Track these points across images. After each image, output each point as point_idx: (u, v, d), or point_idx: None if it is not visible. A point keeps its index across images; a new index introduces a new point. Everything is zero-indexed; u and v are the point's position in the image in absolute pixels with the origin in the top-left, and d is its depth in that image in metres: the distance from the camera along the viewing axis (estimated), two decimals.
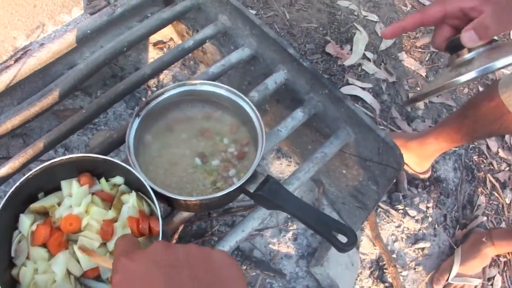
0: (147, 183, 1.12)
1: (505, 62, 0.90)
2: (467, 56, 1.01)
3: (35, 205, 1.17)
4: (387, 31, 1.09)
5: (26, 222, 1.14)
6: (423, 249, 2.06)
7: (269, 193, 1.15)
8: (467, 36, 0.97)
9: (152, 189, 1.13)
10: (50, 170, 1.15)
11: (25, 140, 1.79)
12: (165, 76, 2.06)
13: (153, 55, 2.08)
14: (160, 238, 1.08)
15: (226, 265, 0.79)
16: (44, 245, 1.13)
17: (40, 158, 1.39)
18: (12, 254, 1.14)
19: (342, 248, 1.09)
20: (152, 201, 1.13)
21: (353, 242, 1.09)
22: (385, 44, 2.56)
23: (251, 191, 1.16)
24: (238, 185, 1.15)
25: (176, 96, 1.31)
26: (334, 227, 1.10)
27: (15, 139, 1.79)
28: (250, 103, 1.28)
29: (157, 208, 1.12)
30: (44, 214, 1.18)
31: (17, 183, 1.10)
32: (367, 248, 1.96)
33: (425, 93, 1.08)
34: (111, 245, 1.13)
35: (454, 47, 1.03)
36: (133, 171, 1.13)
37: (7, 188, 1.60)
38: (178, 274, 0.73)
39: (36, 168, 1.12)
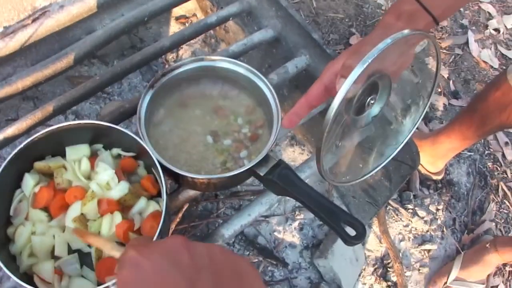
0: (155, 156, 1.09)
1: (353, 76, 0.81)
2: None
3: (40, 164, 1.15)
4: (285, 121, 1.07)
5: (30, 182, 1.12)
6: (429, 251, 2.03)
7: (280, 178, 1.11)
8: (339, 85, 0.92)
9: (160, 163, 1.10)
10: (58, 134, 1.12)
11: (36, 104, 1.78)
12: (185, 52, 2.03)
13: (174, 29, 2.05)
14: (162, 215, 1.05)
15: (251, 277, 0.71)
16: (44, 209, 1.11)
17: (48, 123, 1.36)
18: (11, 213, 1.12)
19: (350, 241, 1.05)
20: (159, 176, 1.10)
21: (362, 235, 1.05)
22: None
23: (261, 174, 1.13)
24: (249, 167, 1.12)
25: (193, 70, 1.28)
26: (344, 218, 1.06)
27: (26, 101, 1.78)
28: (269, 84, 1.25)
29: (163, 183, 1.09)
30: (49, 176, 1.16)
31: (23, 143, 1.07)
32: (373, 245, 1.93)
33: None
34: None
35: None
36: (142, 143, 1.10)
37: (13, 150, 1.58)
38: (201, 280, 0.64)
39: (42, 131, 1.10)
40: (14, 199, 1.13)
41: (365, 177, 1.10)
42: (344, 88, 0.82)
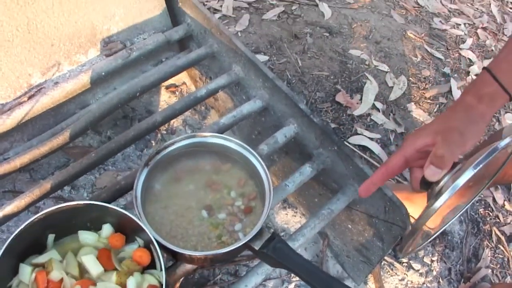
0: (152, 235, 1.13)
1: (466, 178, 0.94)
2: (438, 187, 1.04)
3: (35, 261, 1.16)
4: (362, 190, 1.16)
5: (27, 270, 1.14)
6: None
7: (274, 252, 1.14)
8: (428, 172, 1.02)
9: (157, 241, 1.13)
10: (50, 216, 1.15)
11: (32, 175, 1.80)
12: (176, 120, 2.06)
13: (164, 98, 2.10)
14: None
15: None
16: None
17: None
18: None
19: None
20: (157, 253, 1.13)
21: None
22: (394, 94, 2.56)
23: (256, 248, 1.15)
24: (244, 242, 1.15)
25: (185, 147, 1.32)
26: None
27: (22, 173, 1.79)
28: (259, 158, 1.29)
29: (161, 261, 1.12)
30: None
31: (10, 238, 1.08)
32: None
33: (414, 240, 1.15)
34: None
35: (426, 184, 1.06)
36: (140, 223, 1.13)
37: (12, 225, 1.60)
38: None
39: (30, 219, 1.11)
40: None
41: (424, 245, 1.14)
42: (447, 195, 0.94)
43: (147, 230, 1.13)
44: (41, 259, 1.17)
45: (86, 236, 1.22)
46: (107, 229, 1.22)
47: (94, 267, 1.15)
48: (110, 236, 1.21)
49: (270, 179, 1.25)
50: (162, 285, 1.11)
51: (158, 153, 1.29)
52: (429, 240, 1.20)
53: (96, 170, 1.85)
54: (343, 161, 1.44)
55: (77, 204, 1.16)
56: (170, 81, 2.07)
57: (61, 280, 1.12)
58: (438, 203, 0.94)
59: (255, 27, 2.66)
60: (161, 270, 1.12)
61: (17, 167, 1.44)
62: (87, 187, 1.81)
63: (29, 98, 1.59)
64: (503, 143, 0.95)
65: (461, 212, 1.20)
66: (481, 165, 0.91)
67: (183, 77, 2.10)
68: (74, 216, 1.20)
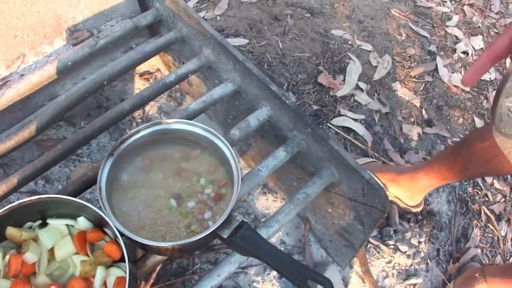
0: (116, 228, 1.09)
1: None
2: None
3: (12, 230, 1.14)
4: (466, 78, 1.06)
5: None
6: (415, 285, 2.00)
7: (242, 240, 1.10)
8: None
9: (123, 233, 1.10)
10: (15, 211, 1.12)
11: (5, 171, 1.77)
12: (151, 108, 2.03)
13: (139, 85, 2.06)
14: (127, 282, 1.05)
15: None
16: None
17: (20, 190, 1.40)
18: None
19: None
20: (121, 246, 1.10)
21: None
22: (379, 74, 2.53)
23: (225, 236, 1.12)
24: (211, 230, 1.11)
25: (151, 135, 1.28)
26: (309, 276, 1.06)
27: None
28: (227, 143, 1.25)
29: (124, 252, 1.08)
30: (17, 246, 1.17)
31: None
32: (357, 285, 1.91)
33: None
34: None
35: None
36: (103, 215, 1.10)
37: None
38: None
39: None
40: None
41: None
42: None
43: (110, 223, 1.09)
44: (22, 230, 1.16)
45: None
46: (82, 221, 1.19)
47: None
48: (88, 231, 1.19)
49: (238, 164, 1.21)
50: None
51: (122, 142, 1.25)
52: None
53: (71, 163, 1.82)
54: (318, 144, 1.40)
55: (39, 198, 1.12)
56: (144, 68, 2.04)
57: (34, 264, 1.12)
58: None
59: (234, 10, 2.62)
60: (126, 261, 1.09)
61: None
62: (61, 180, 1.78)
63: None
64: None
65: None
66: None
67: (157, 63, 2.06)
68: (42, 211, 1.19)
